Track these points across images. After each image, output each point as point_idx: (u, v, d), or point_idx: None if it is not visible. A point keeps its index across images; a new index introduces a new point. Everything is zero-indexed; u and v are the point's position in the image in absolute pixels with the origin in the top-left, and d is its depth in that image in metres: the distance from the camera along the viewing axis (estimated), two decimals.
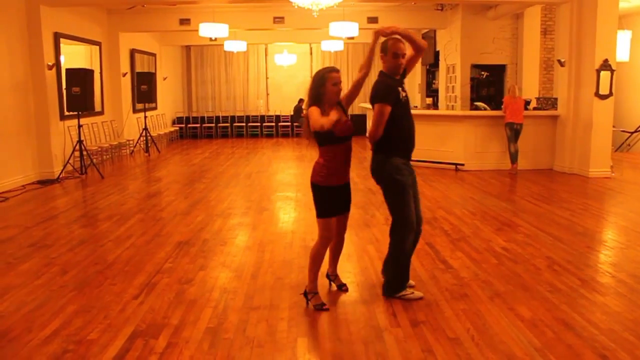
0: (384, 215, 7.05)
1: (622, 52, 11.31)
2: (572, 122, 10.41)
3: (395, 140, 4.13)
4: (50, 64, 10.31)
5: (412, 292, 4.24)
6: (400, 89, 4.15)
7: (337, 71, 4.05)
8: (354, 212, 7.14)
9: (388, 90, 4.09)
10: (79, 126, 10.43)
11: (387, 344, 3.49)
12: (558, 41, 11.21)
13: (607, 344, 3.46)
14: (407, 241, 4.20)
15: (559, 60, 10.73)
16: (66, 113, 10.89)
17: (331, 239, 4.15)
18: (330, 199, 4.07)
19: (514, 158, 10.36)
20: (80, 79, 10.22)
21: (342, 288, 4.43)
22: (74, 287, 4.56)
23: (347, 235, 6.06)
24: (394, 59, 4.11)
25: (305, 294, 4.14)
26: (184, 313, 4.00)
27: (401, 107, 4.12)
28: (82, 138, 10.57)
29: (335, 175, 4.06)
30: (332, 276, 4.48)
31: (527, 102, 11.50)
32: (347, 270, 4.90)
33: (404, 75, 4.27)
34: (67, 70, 10.36)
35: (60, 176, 10.15)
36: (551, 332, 3.64)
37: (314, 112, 3.83)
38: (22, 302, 4.26)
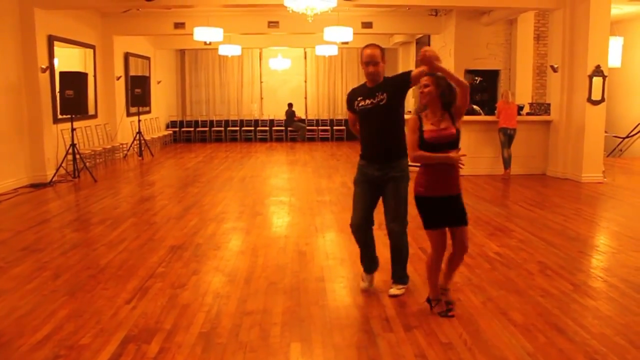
0: (377, 219, 7.04)
1: (614, 58, 11.40)
2: (565, 128, 10.46)
3: (361, 143, 4.43)
4: (43, 66, 10.29)
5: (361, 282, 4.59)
6: (360, 97, 4.25)
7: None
8: (347, 217, 7.14)
9: (348, 97, 4.45)
10: (72, 129, 10.41)
11: (381, 349, 3.49)
12: (551, 47, 11.28)
13: (598, 349, 3.48)
14: (354, 236, 4.51)
15: (551, 66, 10.79)
16: (59, 116, 10.86)
17: (440, 252, 3.99)
18: (432, 211, 3.94)
19: (507, 163, 10.40)
20: (74, 82, 10.19)
21: (449, 306, 4.05)
22: (66, 292, 4.54)
23: (340, 240, 6.10)
24: (364, 67, 4.23)
25: (429, 301, 4.10)
26: (176, 318, 3.99)
27: (360, 114, 4.30)
28: (76, 141, 10.54)
29: (436, 185, 3.92)
30: (443, 290, 4.13)
31: (520, 108, 11.56)
32: (340, 275, 4.91)
33: (381, 83, 4.19)
34: (61, 73, 10.34)
35: (53, 180, 10.11)
36: (543, 336, 3.66)
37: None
38: (13, 306, 4.23)
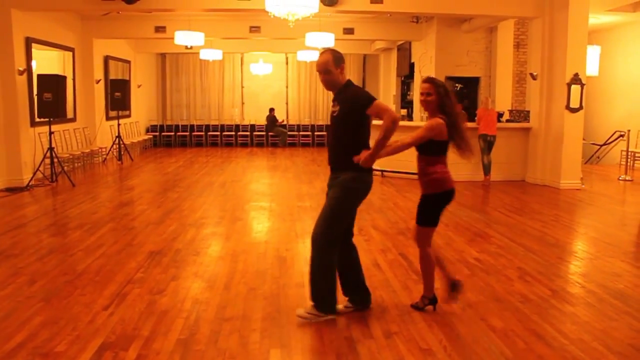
0: (357, 225, 7.03)
1: (591, 66, 11.57)
2: (544, 135, 10.59)
3: None
4: (21, 69, 10.14)
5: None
6: (332, 104, 4.12)
7: (424, 81, 4.13)
8: None
9: None
10: (50, 133, 10.26)
11: (361, 355, 3.48)
12: (530, 55, 11.41)
13: (577, 354, 3.50)
14: None
15: (531, 74, 10.92)
16: (37, 119, 10.70)
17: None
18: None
19: (487, 170, 10.48)
20: (53, 85, 10.06)
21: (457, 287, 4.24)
22: (42, 298, 4.45)
23: None
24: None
25: (434, 301, 4.21)
26: (154, 324, 3.93)
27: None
28: (53, 145, 10.39)
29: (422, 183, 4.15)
30: (453, 280, 4.26)
31: (500, 115, 11.66)
32: None
33: (340, 92, 4.01)
34: (39, 76, 10.20)
35: (30, 184, 9.95)
36: (522, 342, 3.67)
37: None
38: None
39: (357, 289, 4.20)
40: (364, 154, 3.83)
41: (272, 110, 18.99)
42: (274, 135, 19.18)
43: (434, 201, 4.10)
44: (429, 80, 4.09)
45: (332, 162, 4.07)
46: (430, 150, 4.04)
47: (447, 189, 4.08)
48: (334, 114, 4.02)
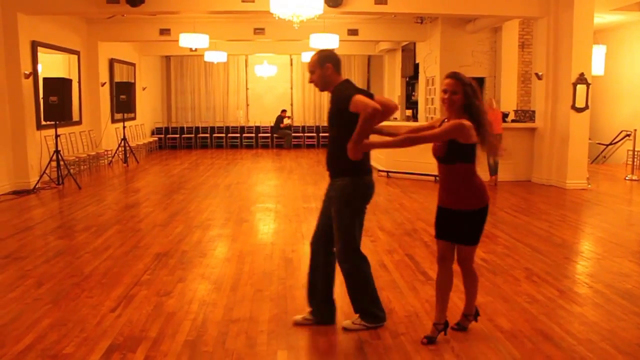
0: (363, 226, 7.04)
1: (597, 66, 11.52)
2: (550, 135, 10.55)
3: None
4: (27, 72, 10.18)
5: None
6: None
7: (446, 76, 3.58)
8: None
9: None
10: (56, 136, 10.30)
11: (368, 356, 3.48)
12: (535, 55, 11.39)
13: (585, 354, 3.49)
14: None
15: (536, 74, 10.89)
16: (43, 122, 10.75)
17: (439, 264, 3.79)
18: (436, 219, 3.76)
19: (493, 170, 10.43)
20: (58, 88, 10.10)
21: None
22: (50, 300, 4.47)
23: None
24: None
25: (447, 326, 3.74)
26: (162, 326, 3.94)
27: None
28: (60, 148, 10.42)
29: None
30: (464, 315, 3.91)
31: (506, 115, 11.64)
32: None
33: (332, 92, 3.84)
34: (45, 79, 10.24)
35: (37, 187, 9.99)
36: (530, 342, 3.66)
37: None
38: None
39: (322, 300, 3.96)
40: (349, 144, 3.53)
41: (283, 111, 18.97)
42: (278, 137, 19.20)
43: (482, 216, 3.62)
44: (453, 75, 3.54)
45: (327, 166, 3.91)
46: (466, 157, 3.52)
47: (488, 200, 3.64)
48: (328, 114, 3.94)
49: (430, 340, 3.65)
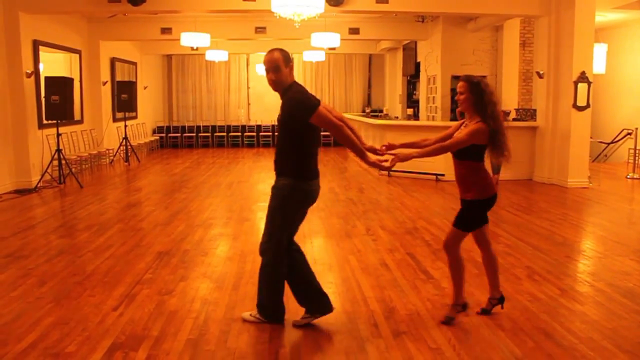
0: (365, 225, 7.07)
1: (598, 64, 11.51)
2: (551, 133, 10.55)
3: None
4: (28, 71, 10.19)
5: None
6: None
7: (459, 79, 4.01)
8: (334, 222, 7.17)
9: None
10: (58, 135, 10.31)
11: (369, 355, 3.48)
12: (537, 53, 11.37)
13: (586, 353, 3.49)
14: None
15: (537, 72, 10.88)
16: (45, 121, 10.75)
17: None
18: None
19: (495, 169, 10.40)
20: (60, 87, 10.11)
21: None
22: (52, 299, 4.48)
23: (328, 246, 6.10)
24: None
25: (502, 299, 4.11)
26: (164, 324, 3.95)
27: None
28: (61, 147, 10.44)
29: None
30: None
31: (507, 113, 11.62)
32: (328, 281, 4.89)
33: (284, 93, 3.80)
34: (47, 78, 10.25)
35: (38, 185, 10.00)
36: (532, 341, 3.67)
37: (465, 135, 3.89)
38: None
39: (310, 296, 3.98)
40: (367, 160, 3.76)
41: None
42: None
43: (478, 207, 3.98)
44: (463, 78, 3.96)
45: (274, 164, 3.89)
46: (471, 155, 3.90)
47: (491, 194, 3.99)
48: (278, 117, 3.84)
49: (448, 320, 3.95)
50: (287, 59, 3.79)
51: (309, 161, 3.81)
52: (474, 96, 3.86)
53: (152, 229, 6.96)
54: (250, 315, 4.00)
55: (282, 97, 3.82)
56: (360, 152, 3.74)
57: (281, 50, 3.83)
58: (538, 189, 10.04)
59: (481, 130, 3.82)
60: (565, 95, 10.24)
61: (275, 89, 3.84)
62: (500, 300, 4.12)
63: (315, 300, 3.97)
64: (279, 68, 3.75)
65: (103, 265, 5.42)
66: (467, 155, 3.89)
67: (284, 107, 3.78)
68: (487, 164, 4.09)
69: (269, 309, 3.96)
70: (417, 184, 10.34)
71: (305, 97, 3.71)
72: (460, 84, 3.93)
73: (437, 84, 13.87)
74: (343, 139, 3.70)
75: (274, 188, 3.85)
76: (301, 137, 3.75)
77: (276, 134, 3.99)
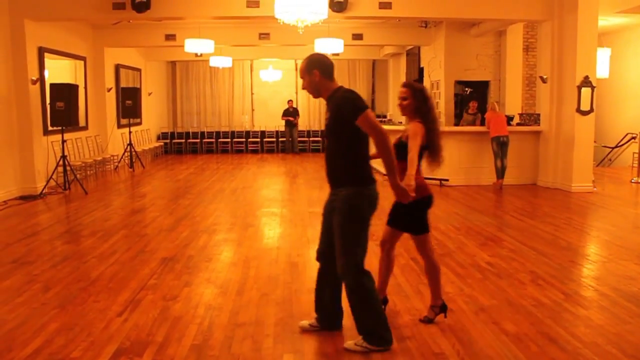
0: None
1: (602, 69, 11.51)
2: (555, 138, 10.54)
3: None
4: (34, 78, 10.25)
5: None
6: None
7: (402, 85, 4.11)
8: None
9: None
10: (63, 141, 10.35)
11: None
12: (540, 58, 11.38)
13: (590, 358, 3.49)
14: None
15: (541, 77, 10.89)
16: (50, 128, 10.80)
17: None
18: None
19: (500, 173, 10.41)
20: (65, 94, 10.16)
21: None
22: (57, 305, 4.50)
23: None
24: None
25: (444, 308, 4.08)
26: (168, 330, 3.96)
27: None
28: (66, 153, 10.48)
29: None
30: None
31: (510, 118, 11.63)
32: None
33: (330, 98, 3.71)
34: (52, 85, 10.30)
35: (43, 192, 10.04)
36: (536, 346, 3.66)
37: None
38: (2, 320, 4.19)
39: (329, 310, 3.91)
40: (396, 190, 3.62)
41: (289, 102, 18.77)
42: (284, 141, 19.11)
43: (419, 207, 4.01)
44: (405, 84, 4.09)
45: (328, 177, 3.73)
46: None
47: (427, 194, 4.03)
48: (326, 122, 3.73)
49: (427, 320, 4.05)
50: (311, 66, 3.68)
51: (366, 165, 3.65)
52: (417, 101, 3.99)
53: (156, 235, 6.98)
54: (356, 344, 3.61)
55: (327, 102, 3.74)
56: (395, 169, 3.54)
57: (309, 56, 3.77)
58: (542, 193, 10.03)
59: (422, 128, 3.93)
60: (568, 99, 10.24)
61: (313, 96, 3.79)
62: (442, 308, 4.07)
63: (328, 315, 3.92)
64: (303, 77, 3.74)
65: (108, 271, 5.44)
66: (406, 155, 3.88)
67: (331, 111, 3.67)
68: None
69: (376, 334, 3.61)
70: None
71: (353, 97, 3.60)
72: (403, 89, 4.04)
73: (440, 89, 13.88)
74: (384, 149, 3.51)
75: (335, 201, 3.64)
76: (353, 140, 3.58)
77: (321, 139, 3.95)
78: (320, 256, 3.86)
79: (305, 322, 4.00)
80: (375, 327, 3.62)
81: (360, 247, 3.62)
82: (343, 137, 3.60)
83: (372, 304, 3.62)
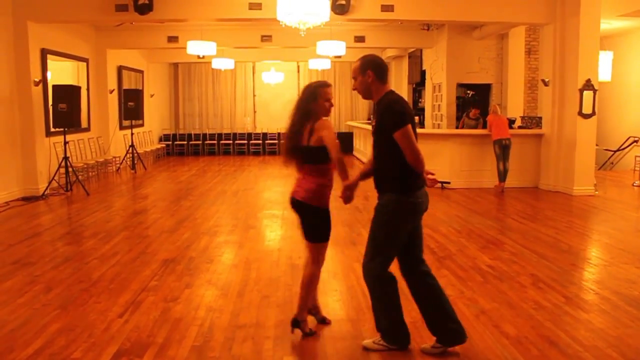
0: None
1: (604, 72, 11.52)
2: (556, 141, 10.54)
3: None
4: (36, 80, 10.28)
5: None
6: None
7: (329, 85, 3.94)
8: (340, 230, 7.17)
9: None
10: (65, 143, 10.38)
11: None
12: (542, 61, 11.39)
13: None
14: None
15: (543, 80, 10.88)
16: (52, 129, 10.83)
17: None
18: (329, 222, 3.92)
19: (502, 176, 10.41)
20: (67, 95, 10.18)
21: (325, 322, 4.11)
22: (58, 306, 4.51)
23: (333, 253, 6.10)
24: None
25: (297, 323, 3.88)
26: (169, 331, 3.97)
27: None
28: (68, 154, 10.51)
29: (328, 196, 3.94)
30: (315, 309, 4.12)
31: (512, 121, 11.63)
32: (333, 289, 4.90)
33: (378, 103, 3.67)
34: (54, 86, 10.33)
35: (45, 193, 10.06)
36: (536, 349, 3.66)
37: (332, 132, 3.80)
38: (4, 320, 4.20)
39: (441, 325, 3.62)
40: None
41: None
42: None
43: (325, 214, 3.93)
44: (329, 84, 4.07)
45: (374, 182, 3.71)
46: (320, 158, 3.84)
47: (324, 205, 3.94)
48: (373, 126, 3.68)
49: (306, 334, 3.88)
50: (365, 67, 3.64)
51: (411, 171, 3.51)
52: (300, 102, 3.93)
53: (157, 237, 6.99)
54: (374, 342, 3.67)
55: (375, 111, 3.70)
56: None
57: (364, 57, 3.73)
58: (544, 196, 10.02)
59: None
60: (570, 102, 10.23)
61: (363, 97, 3.75)
62: (295, 323, 3.90)
63: (446, 330, 3.61)
64: (355, 77, 3.70)
65: (109, 272, 5.45)
66: (316, 158, 3.90)
67: (377, 116, 3.63)
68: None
69: (390, 333, 3.65)
70: (432, 192, 10.31)
71: (395, 110, 3.51)
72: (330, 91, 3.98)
73: (442, 92, 13.89)
74: (414, 167, 3.48)
75: (377, 205, 3.64)
76: (397, 147, 3.47)
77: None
78: (402, 267, 3.73)
79: (426, 345, 3.68)
80: (391, 326, 3.65)
81: (387, 252, 3.60)
82: (387, 143, 3.52)
83: (389, 305, 3.63)
